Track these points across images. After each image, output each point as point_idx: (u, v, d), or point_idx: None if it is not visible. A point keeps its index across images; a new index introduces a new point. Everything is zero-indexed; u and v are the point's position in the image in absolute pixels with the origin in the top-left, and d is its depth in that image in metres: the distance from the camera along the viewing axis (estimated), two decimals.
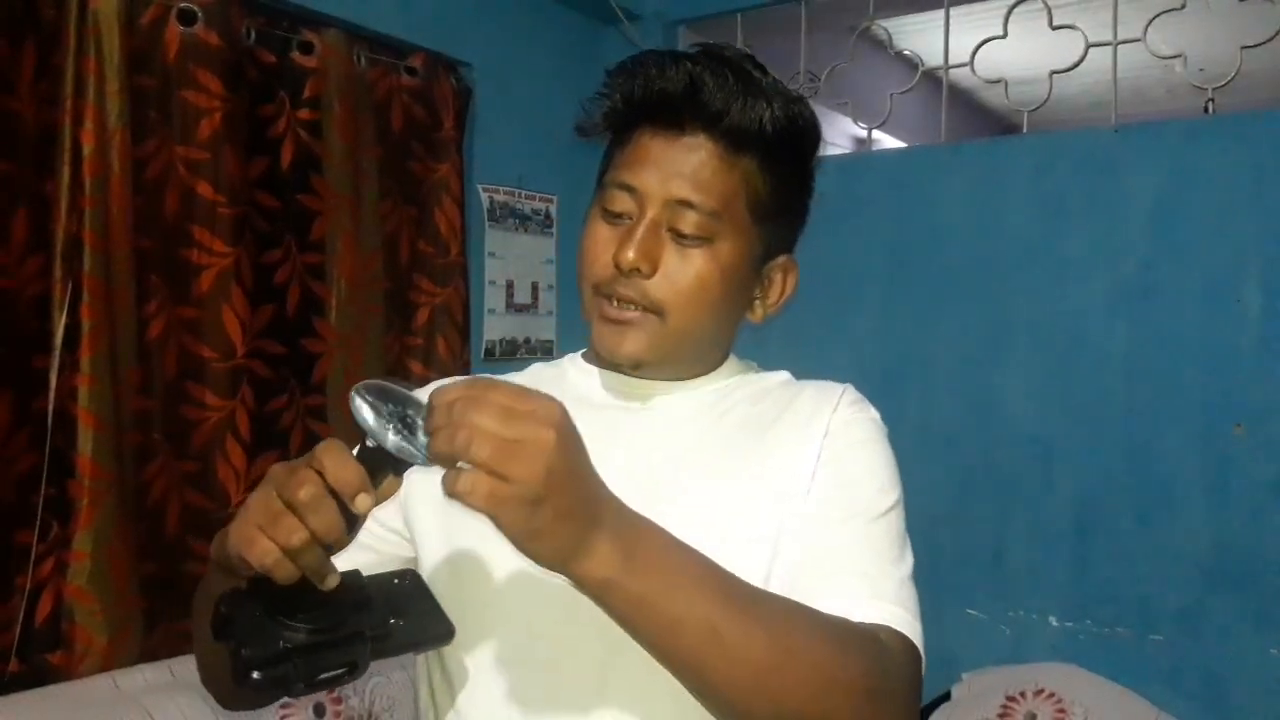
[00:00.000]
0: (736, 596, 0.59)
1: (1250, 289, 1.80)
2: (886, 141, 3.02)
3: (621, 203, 0.74)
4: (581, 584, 0.55)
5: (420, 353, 2.03)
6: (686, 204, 0.72)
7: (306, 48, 1.80)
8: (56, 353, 1.45)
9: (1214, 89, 1.97)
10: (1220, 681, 1.78)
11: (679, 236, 0.72)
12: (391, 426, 0.53)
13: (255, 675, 0.54)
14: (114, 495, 1.48)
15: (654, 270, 0.72)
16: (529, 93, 2.25)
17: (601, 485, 0.56)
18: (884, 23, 2.32)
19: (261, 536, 0.54)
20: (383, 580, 0.65)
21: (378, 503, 0.55)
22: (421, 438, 0.53)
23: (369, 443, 0.53)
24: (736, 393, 0.81)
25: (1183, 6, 1.93)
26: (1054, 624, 1.93)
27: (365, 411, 0.52)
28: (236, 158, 1.66)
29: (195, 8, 1.61)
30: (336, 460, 0.54)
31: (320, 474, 0.54)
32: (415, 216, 2.03)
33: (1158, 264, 1.88)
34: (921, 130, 2.97)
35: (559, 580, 0.67)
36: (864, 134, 2.45)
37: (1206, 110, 2.11)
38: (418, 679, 0.81)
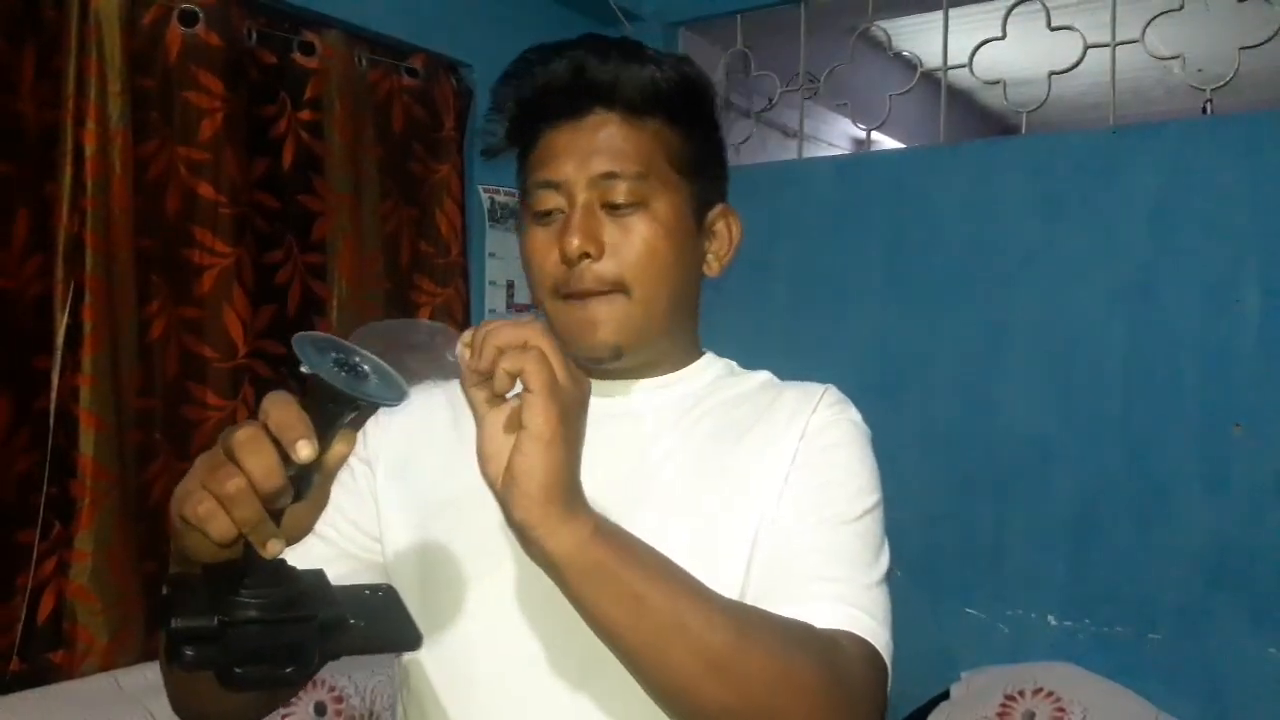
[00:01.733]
0: (699, 587, 0.61)
1: (1249, 289, 1.80)
2: (885, 142, 3.02)
3: (549, 200, 0.74)
4: (552, 552, 0.56)
5: None
6: (611, 175, 0.72)
7: (307, 48, 1.81)
8: (58, 353, 1.45)
9: (1212, 90, 1.97)
10: (1219, 681, 1.79)
11: (614, 209, 0.73)
12: (339, 369, 0.50)
13: (187, 652, 0.50)
14: (115, 495, 1.49)
15: (601, 250, 0.72)
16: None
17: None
18: (883, 24, 2.33)
19: (198, 488, 0.51)
20: (353, 588, 0.61)
21: (331, 463, 0.53)
22: (373, 382, 0.51)
23: (317, 386, 0.50)
24: (714, 396, 0.80)
25: (1181, 7, 1.93)
26: (1053, 623, 1.93)
27: (309, 351, 0.50)
28: (237, 158, 1.67)
29: (196, 8, 1.61)
30: (277, 405, 0.51)
31: (263, 423, 0.51)
32: (416, 217, 2.03)
33: (1156, 264, 1.88)
34: (920, 131, 2.98)
35: (529, 592, 0.69)
36: (863, 135, 2.45)
37: (1205, 111, 2.11)
38: (395, 695, 0.80)
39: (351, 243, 1.87)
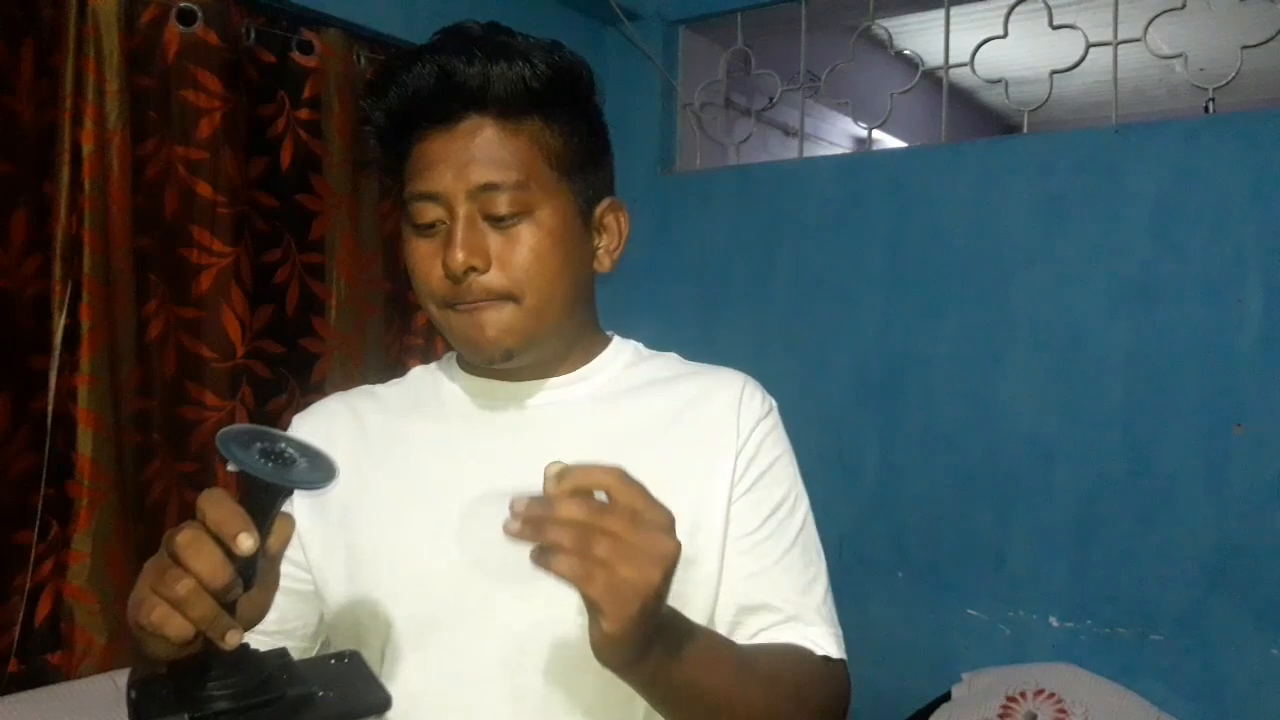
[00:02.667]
0: (740, 666, 0.66)
1: (1251, 289, 1.79)
2: (887, 141, 3.02)
3: (428, 213, 0.72)
4: (631, 678, 0.60)
5: (420, 353, 2.03)
6: (490, 187, 0.70)
7: (306, 47, 1.80)
8: (56, 353, 1.45)
9: (1214, 89, 1.97)
10: (1221, 682, 1.78)
11: (496, 221, 0.71)
12: (265, 460, 0.52)
13: None
14: (113, 496, 1.48)
15: (488, 262, 0.71)
16: None
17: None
18: (884, 23, 2.32)
19: (151, 595, 0.53)
20: (318, 660, 0.63)
21: (274, 547, 0.54)
22: (301, 466, 0.53)
23: (248, 480, 0.52)
24: (625, 380, 0.80)
25: (1183, 6, 1.93)
26: (1054, 624, 1.93)
27: (234, 449, 0.51)
28: (236, 158, 1.66)
29: (195, 7, 1.61)
30: (213, 503, 0.52)
31: (202, 522, 0.53)
32: None
33: (1158, 264, 1.87)
34: (922, 130, 2.97)
35: (457, 585, 0.71)
36: (864, 134, 2.45)
37: (1207, 110, 2.10)
38: None
39: (350, 242, 1.86)
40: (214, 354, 1.64)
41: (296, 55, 1.79)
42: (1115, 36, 1.99)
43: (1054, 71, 2.06)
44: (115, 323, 1.51)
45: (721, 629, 0.74)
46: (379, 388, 0.88)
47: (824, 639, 0.74)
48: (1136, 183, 1.90)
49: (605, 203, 0.78)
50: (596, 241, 0.78)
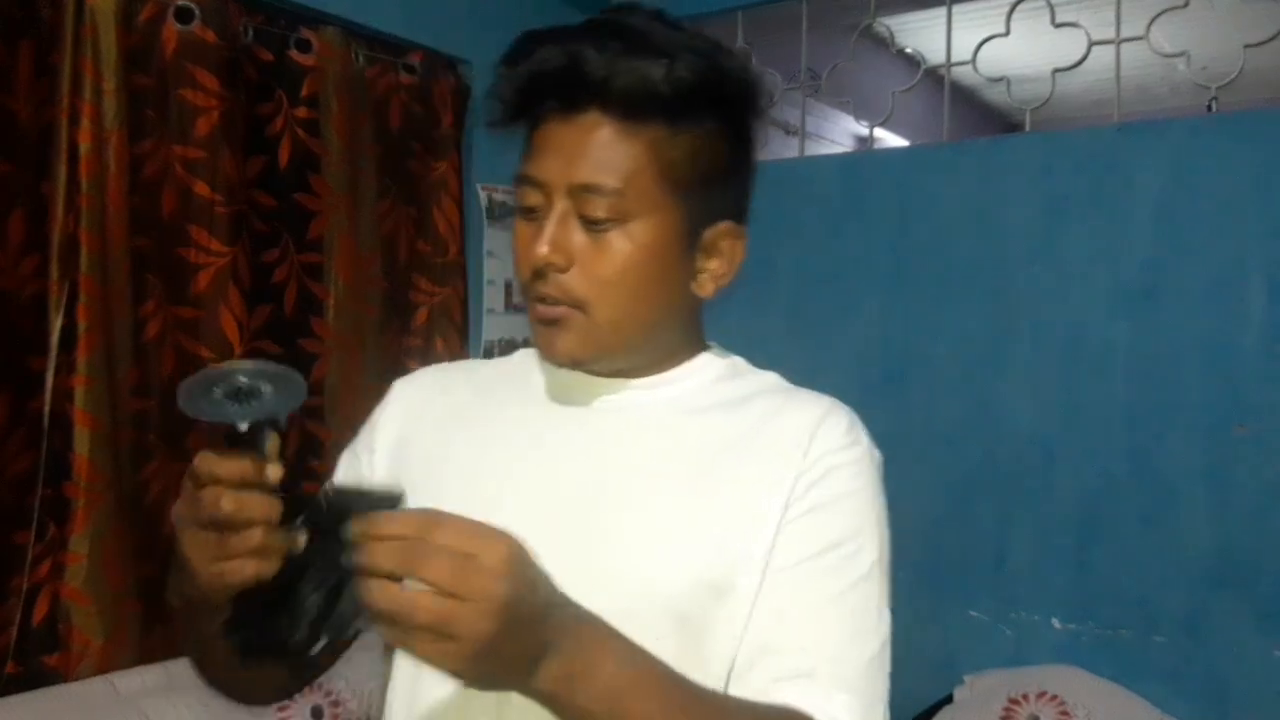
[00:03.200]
0: (678, 704, 0.59)
1: (1254, 288, 1.79)
2: (888, 140, 3.01)
3: (530, 197, 0.70)
4: (527, 695, 0.55)
5: (418, 353, 2.02)
6: (589, 188, 0.67)
7: (304, 45, 1.79)
8: (53, 353, 1.44)
9: (1217, 87, 1.96)
10: (1223, 683, 1.77)
11: (589, 223, 0.68)
12: (232, 402, 0.53)
13: (319, 643, 0.54)
14: (111, 497, 1.48)
15: (569, 263, 0.68)
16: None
17: (553, 609, 0.55)
18: (886, 20, 2.31)
19: (226, 562, 0.53)
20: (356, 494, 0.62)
21: (274, 474, 0.55)
22: (267, 394, 0.53)
23: (226, 427, 0.53)
24: (711, 394, 0.75)
25: (1185, 4, 1.92)
26: (1056, 626, 1.92)
27: (199, 402, 0.53)
28: (234, 156, 1.65)
29: (193, 6, 1.60)
30: (220, 464, 0.53)
31: (218, 484, 0.53)
32: (414, 216, 2.02)
33: (1161, 263, 1.86)
34: (924, 128, 2.96)
35: None
36: (865, 132, 2.44)
37: (1209, 109, 2.10)
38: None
39: (348, 242, 1.85)
40: (212, 354, 1.64)
41: (294, 53, 1.78)
42: (1118, 34, 1.98)
43: (1056, 70, 2.05)
44: (112, 323, 1.50)
45: (740, 670, 0.67)
46: (480, 363, 0.87)
47: (842, 711, 0.64)
48: (1139, 181, 1.89)
49: (722, 226, 0.72)
50: (702, 263, 0.72)
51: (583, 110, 0.68)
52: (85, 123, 1.45)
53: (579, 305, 0.69)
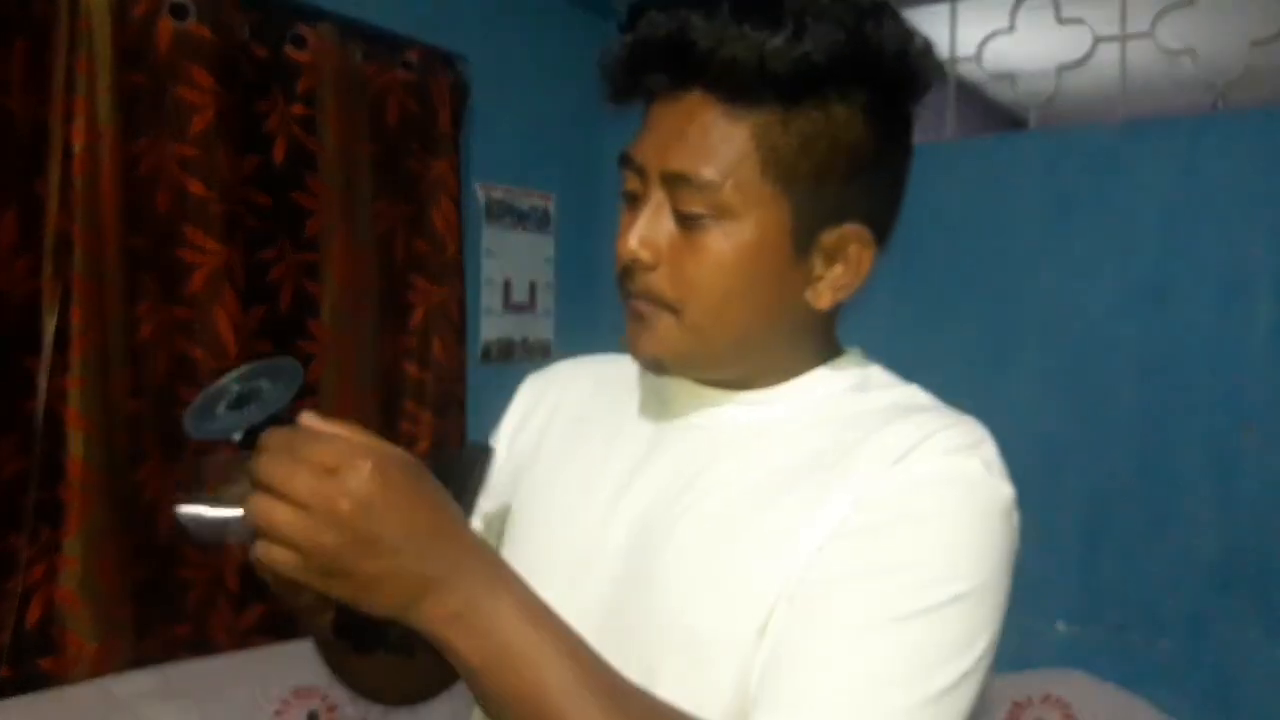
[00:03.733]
0: (596, 687, 0.51)
1: (1261, 287, 1.77)
2: None
3: (630, 182, 0.64)
4: (422, 632, 0.51)
5: (416, 354, 2.00)
6: (681, 178, 0.60)
7: (300, 42, 1.77)
8: (46, 354, 1.42)
9: (1223, 84, 1.94)
10: (1230, 686, 1.76)
11: (682, 217, 0.61)
12: (236, 414, 0.52)
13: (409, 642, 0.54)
14: (105, 499, 1.46)
15: (657, 260, 0.62)
16: (527, 88, 2.22)
17: (441, 540, 0.50)
18: None
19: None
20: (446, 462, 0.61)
21: None
22: (266, 390, 0.52)
23: (240, 436, 0.52)
24: (822, 410, 0.64)
25: (1192, 1, 1.90)
26: (1061, 628, 1.91)
27: (205, 425, 0.52)
28: (229, 154, 1.64)
29: (187, 2, 1.58)
30: (275, 470, 0.49)
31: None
32: (411, 214, 2.00)
33: (1167, 262, 1.85)
34: (928, 125, 2.94)
35: (581, 605, 0.61)
36: None
37: (1215, 106, 2.08)
38: None
39: (345, 241, 1.84)
40: (206, 355, 1.62)
41: (290, 50, 1.76)
42: (1123, 31, 1.96)
43: (1062, 66, 2.04)
44: (107, 323, 1.48)
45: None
46: (619, 358, 0.76)
47: None
48: (1145, 180, 1.88)
49: (847, 229, 0.62)
50: (819, 269, 0.63)
51: (687, 88, 0.60)
52: (79, 120, 1.43)
53: (666, 307, 0.62)
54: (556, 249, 2.33)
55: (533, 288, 2.29)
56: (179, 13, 1.58)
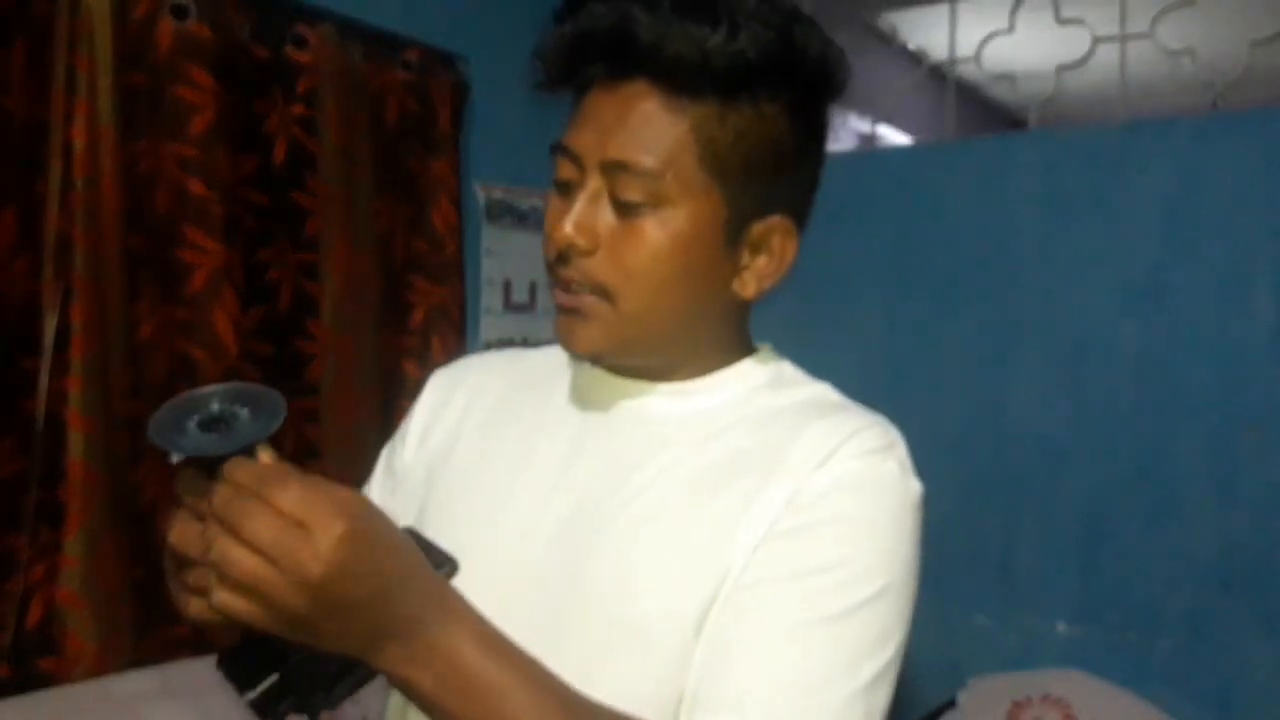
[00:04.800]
0: (552, 710, 0.52)
1: (1261, 287, 1.77)
2: (892, 137, 2.99)
3: (565, 170, 0.64)
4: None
5: (415, 353, 2.00)
6: (621, 166, 0.61)
7: (300, 42, 1.77)
8: (47, 354, 1.42)
9: (1223, 84, 1.94)
10: (1230, 686, 1.76)
11: (620, 205, 0.62)
12: (208, 431, 0.49)
13: (280, 710, 0.52)
14: (105, 499, 1.46)
15: (594, 246, 0.62)
16: (527, 88, 2.22)
17: (399, 590, 0.50)
18: (889, 17, 2.29)
19: (181, 593, 0.53)
20: None
21: None
22: (244, 418, 0.50)
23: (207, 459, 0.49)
24: (743, 407, 0.66)
25: (1191, 2, 1.90)
26: (1062, 629, 1.91)
27: (173, 437, 0.49)
28: (229, 154, 1.64)
29: (188, 2, 1.58)
30: (197, 498, 0.49)
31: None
32: (410, 214, 2.00)
33: (1167, 262, 1.85)
34: (927, 126, 2.94)
35: (505, 602, 0.61)
36: (868, 130, 2.42)
37: (1215, 106, 2.08)
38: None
39: (344, 240, 1.84)
40: (206, 355, 1.62)
41: (290, 50, 1.76)
42: (1122, 31, 1.96)
43: (1061, 67, 2.04)
44: (106, 323, 1.48)
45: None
46: (525, 353, 0.80)
47: None
48: (1145, 179, 1.88)
49: (773, 220, 0.65)
50: (745, 260, 0.65)
51: (629, 78, 0.61)
52: (79, 120, 1.43)
53: (602, 293, 0.63)
54: None
55: (533, 288, 2.29)
56: (179, 13, 1.58)
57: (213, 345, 1.62)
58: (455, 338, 2.05)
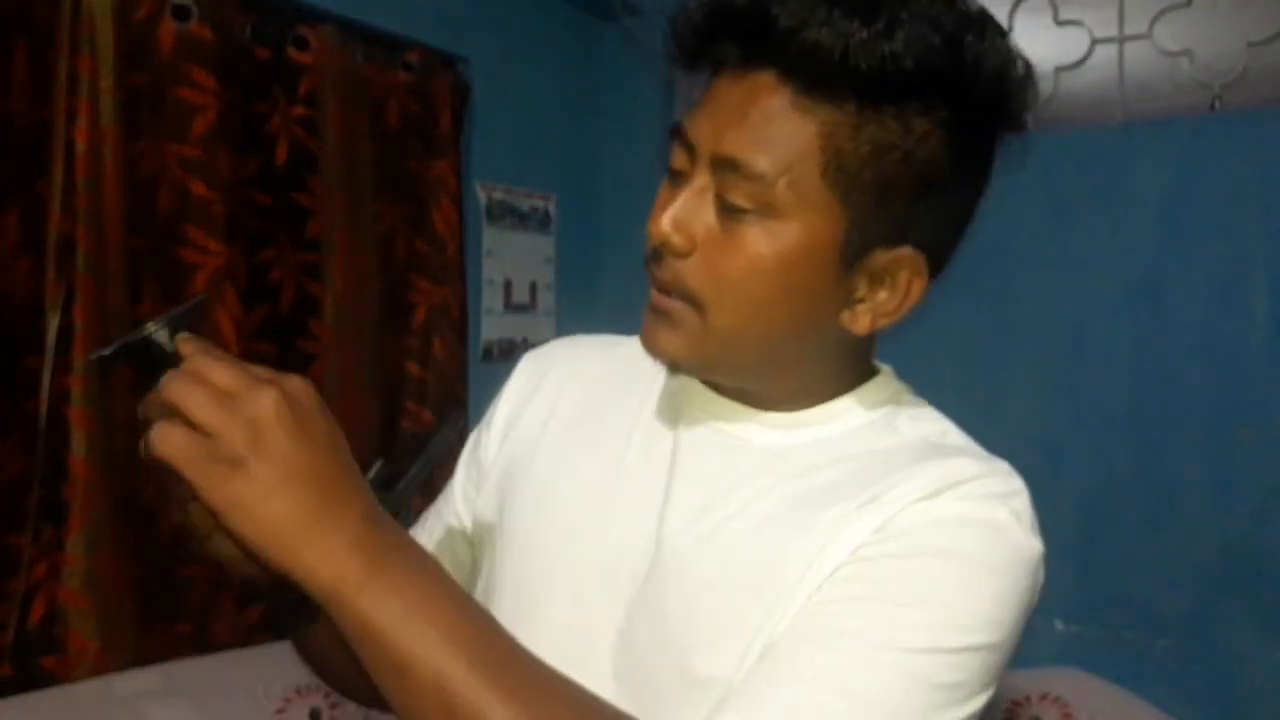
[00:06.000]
0: (490, 657, 0.46)
1: (1258, 288, 1.78)
2: None
3: (678, 157, 0.58)
4: (307, 585, 0.45)
5: (417, 353, 2.01)
6: (732, 165, 0.54)
7: (302, 43, 1.78)
8: (49, 354, 1.43)
9: (1220, 86, 1.95)
10: (1227, 685, 1.76)
11: (725, 207, 0.55)
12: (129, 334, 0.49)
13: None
14: (107, 498, 1.47)
15: (690, 248, 0.56)
16: (528, 89, 2.23)
17: (349, 479, 0.46)
18: None
19: None
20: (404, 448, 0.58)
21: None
22: (163, 316, 0.49)
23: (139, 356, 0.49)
24: (848, 446, 0.59)
25: (1189, 3, 1.91)
26: (1059, 627, 1.91)
27: (109, 346, 0.49)
28: (231, 155, 1.64)
29: (190, 3, 1.59)
30: (167, 390, 0.46)
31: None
32: (412, 214, 2.01)
33: (1164, 263, 1.86)
34: None
35: (593, 600, 0.59)
36: None
37: (1213, 107, 2.09)
38: None
39: (346, 241, 1.84)
40: None
41: (292, 51, 1.77)
42: (1120, 32, 1.97)
43: (1059, 68, 2.04)
44: (109, 323, 1.49)
45: None
46: (622, 343, 0.71)
47: None
48: (1142, 181, 1.88)
49: (900, 251, 0.57)
50: (861, 291, 0.58)
51: (758, 67, 0.54)
52: (81, 121, 1.44)
53: (693, 302, 0.56)
54: (557, 249, 2.34)
55: (533, 288, 2.29)
56: (181, 14, 1.58)
57: (215, 345, 1.63)
58: (456, 338, 2.06)
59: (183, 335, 0.49)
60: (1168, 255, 1.85)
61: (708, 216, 0.56)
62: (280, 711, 1.53)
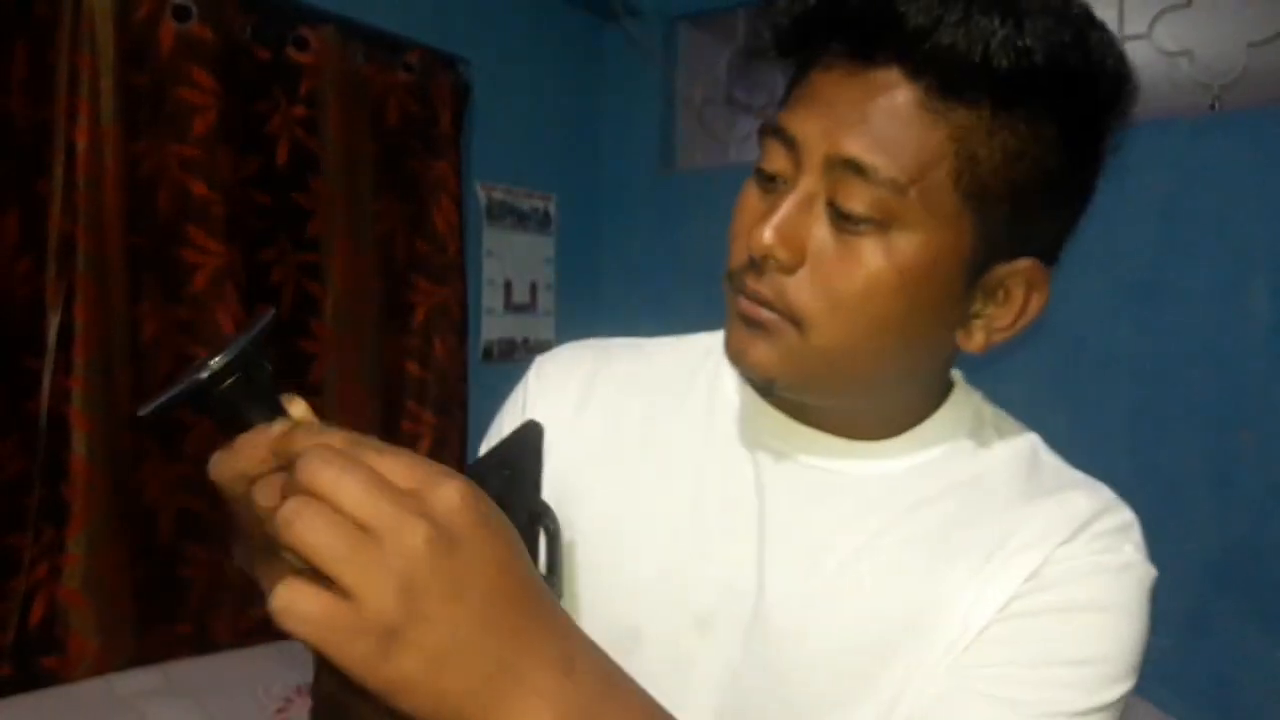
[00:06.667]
0: None
1: (1258, 289, 1.78)
2: None
3: (775, 159, 0.52)
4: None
5: (417, 353, 2.01)
6: (854, 167, 0.48)
7: (302, 43, 1.78)
8: (50, 353, 1.43)
9: (1220, 86, 1.95)
10: (1227, 685, 1.77)
11: (841, 217, 0.50)
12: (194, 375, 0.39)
13: None
14: (107, 498, 1.47)
15: (798, 262, 0.50)
16: (528, 89, 2.23)
17: (530, 617, 0.36)
18: None
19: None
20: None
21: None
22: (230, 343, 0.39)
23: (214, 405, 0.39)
24: (949, 472, 0.57)
25: (1188, 3, 1.91)
26: None
27: (161, 397, 0.39)
28: (231, 155, 1.65)
29: (190, 3, 1.59)
30: (239, 454, 0.39)
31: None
32: (412, 214, 2.01)
33: (1164, 264, 1.85)
34: None
35: (685, 676, 0.53)
36: None
37: (1213, 107, 2.09)
38: None
39: (346, 241, 1.84)
40: (208, 354, 1.63)
41: (292, 51, 1.77)
42: (1120, 33, 1.97)
43: None
44: (109, 323, 1.49)
45: None
46: (650, 348, 0.65)
47: None
48: (1142, 181, 1.88)
49: (1023, 264, 0.54)
50: (978, 307, 0.54)
51: (880, 63, 0.49)
52: (82, 121, 1.44)
53: (793, 319, 0.51)
54: (557, 249, 2.34)
55: (534, 288, 2.30)
56: (181, 14, 1.59)
57: (215, 345, 1.63)
58: (456, 338, 2.06)
59: (288, 394, 0.40)
60: (1167, 255, 1.85)
61: (818, 227, 0.50)
62: (280, 711, 1.53)
